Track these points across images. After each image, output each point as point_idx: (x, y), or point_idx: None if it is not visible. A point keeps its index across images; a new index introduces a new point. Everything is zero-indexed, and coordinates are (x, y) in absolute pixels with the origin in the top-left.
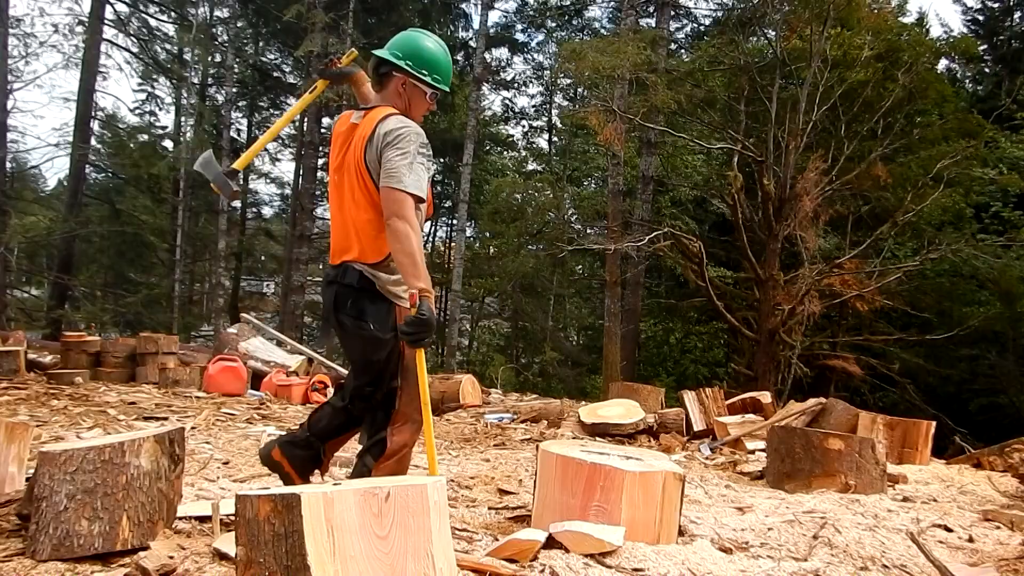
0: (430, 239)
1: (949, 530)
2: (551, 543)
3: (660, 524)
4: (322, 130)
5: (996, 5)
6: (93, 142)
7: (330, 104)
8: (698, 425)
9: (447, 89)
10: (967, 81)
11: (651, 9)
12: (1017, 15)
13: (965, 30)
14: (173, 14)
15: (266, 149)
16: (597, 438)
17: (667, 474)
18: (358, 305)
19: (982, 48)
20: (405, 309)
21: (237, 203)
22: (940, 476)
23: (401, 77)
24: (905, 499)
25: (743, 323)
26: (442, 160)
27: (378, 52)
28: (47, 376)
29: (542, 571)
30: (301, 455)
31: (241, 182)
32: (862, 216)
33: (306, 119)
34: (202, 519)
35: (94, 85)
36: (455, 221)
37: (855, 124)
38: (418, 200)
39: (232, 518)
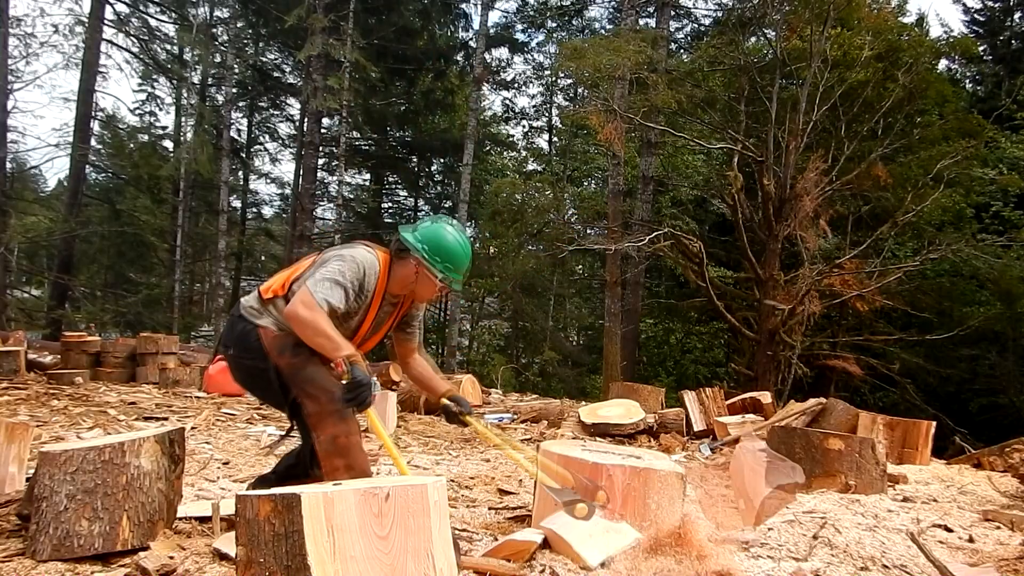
0: None
1: (949, 530)
2: (549, 543)
3: (660, 524)
4: (322, 130)
5: (996, 5)
6: (93, 142)
7: (330, 111)
8: (698, 425)
9: (458, 285)
10: (967, 81)
11: (651, 9)
12: (1017, 15)
13: (965, 30)
14: (173, 14)
15: (266, 149)
16: (597, 438)
17: (668, 474)
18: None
19: (982, 48)
20: (269, 330)
21: (237, 203)
22: (940, 476)
23: (416, 260)
24: (905, 499)
25: (743, 323)
26: (442, 160)
27: (403, 233)
28: (47, 376)
29: (542, 571)
30: None
31: None
32: (862, 216)
33: (307, 120)
34: (202, 519)
35: (94, 85)
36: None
37: (855, 124)
38: (329, 306)
39: (233, 518)
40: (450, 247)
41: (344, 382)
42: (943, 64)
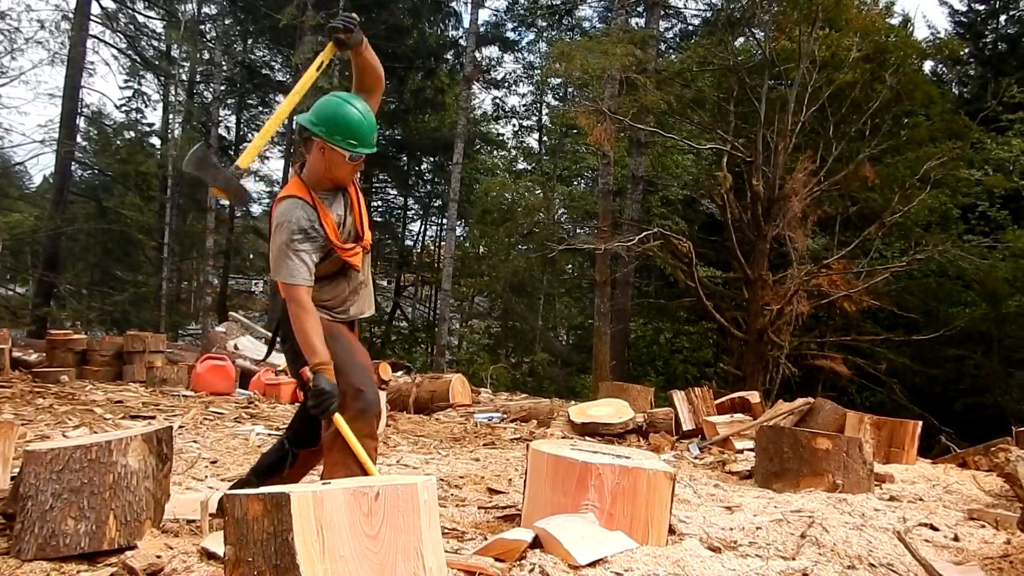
0: (420, 237)
1: (935, 529)
2: (540, 542)
3: (650, 523)
4: None
5: (982, 7)
6: (79, 139)
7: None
8: (687, 425)
9: (366, 151)
10: (953, 83)
11: (641, 9)
12: (1003, 17)
13: (951, 31)
14: (161, 10)
15: None
16: (587, 437)
17: (657, 473)
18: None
19: (968, 50)
20: None
21: (227, 201)
22: (926, 475)
23: (319, 141)
24: (892, 498)
25: (732, 323)
26: (432, 159)
27: (299, 117)
28: (32, 375)
29: (531, 570)
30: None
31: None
32: (850, 217)
33: (295, 118)
34: (189, 519)
35: (80, 81)
36: (445, 220)
37: (843, 125)
38: (304, 279)
39: (218, 517)
40: (349, 120)
41: (310, 388)
42: (929, 66)
